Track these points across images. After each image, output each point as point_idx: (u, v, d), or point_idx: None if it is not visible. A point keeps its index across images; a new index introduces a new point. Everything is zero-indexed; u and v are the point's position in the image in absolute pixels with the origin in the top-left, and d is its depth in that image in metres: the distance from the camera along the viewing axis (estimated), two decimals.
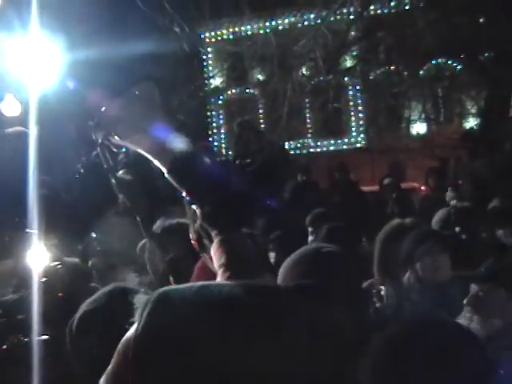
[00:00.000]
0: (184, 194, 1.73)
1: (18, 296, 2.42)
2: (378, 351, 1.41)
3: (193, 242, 1.75)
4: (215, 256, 1.69)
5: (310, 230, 5.25)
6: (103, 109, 1.78)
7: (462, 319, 2.62)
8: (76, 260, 3.37)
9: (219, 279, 1.64)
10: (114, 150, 1.84)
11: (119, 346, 1.17)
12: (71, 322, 1.91)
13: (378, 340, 1.45)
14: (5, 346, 1.91)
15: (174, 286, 1.16)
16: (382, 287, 2.62)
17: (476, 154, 7.69)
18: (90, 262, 4.15)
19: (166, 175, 1.76)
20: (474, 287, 2.73)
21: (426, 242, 3.37)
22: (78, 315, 1.89)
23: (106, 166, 1.87)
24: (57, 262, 2.64)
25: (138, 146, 1.80)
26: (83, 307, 1.91)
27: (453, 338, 1.51)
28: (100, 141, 1.80)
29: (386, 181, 8.56)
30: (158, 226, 3.53)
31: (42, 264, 2.49)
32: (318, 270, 2.11)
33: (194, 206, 1.72)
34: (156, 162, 1.78)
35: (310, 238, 5.14)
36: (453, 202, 5.16)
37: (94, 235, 4.48)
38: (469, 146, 8.04)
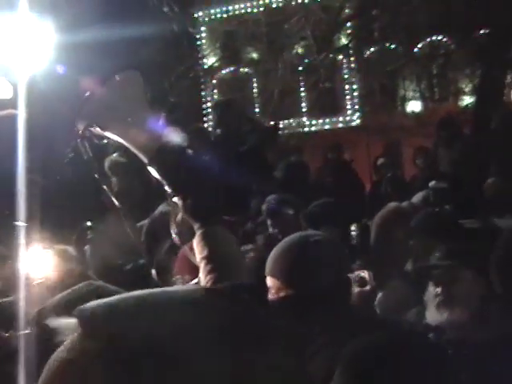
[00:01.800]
0: (166, 186, 1.72)
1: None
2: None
3: (174, 235, 1.74)
4: (197, 248, 1.68)
5: (269, 222, 4.61)
6: (85, 98, 1.74)
7: (428, 313, 2.57)
8: (67, 247, 3.33)
9: (201, 272, 1.64)
10: (96, 140, 1.81)
11: (49, 372, 1.08)
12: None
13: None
14: None
15: (106, 300, 1.09)
16: (365, 272, 2.57)
17: (450, 141, 7.57)
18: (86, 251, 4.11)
19: (148, 167, 1.74)
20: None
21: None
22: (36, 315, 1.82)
23: (85, 158, 1.83)
24: (46, 249, 2.62)
25: (120, 137, 1.77)
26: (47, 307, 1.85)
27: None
28: (81, 131, 1.76)
29: (381, 160, 8.49)
30: (158, 211, 3.50)
31: (34, 264, 2.46)
32: (304, 261, 2.09)
33: (175, 199, 1.70)
34: (138, 153, 1.76)
35: (270, 229, 4.54)
36: (431, 183, 5.03)
37: (88, 223, 4.43)
38: (443, 134, 7.89)
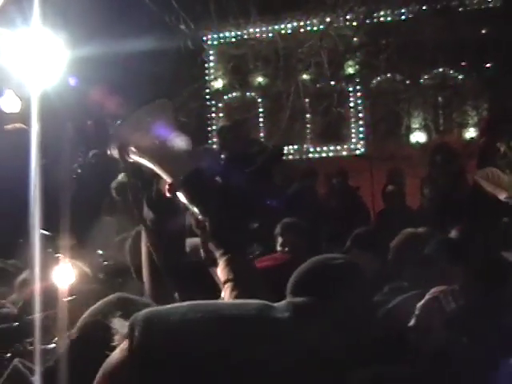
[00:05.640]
0: (194, 210, 1.72)
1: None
2: None
3: (203, 255, 1.74)
4: (222, 273, 1.67)
5: (280, 240, 4.91)
6: (119, 122, 1.77)
7: None
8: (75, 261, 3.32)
9: (226, 294, 1.62)
10: (129, 159, 1.84)
11: (102, 372, 1.13)
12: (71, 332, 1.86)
13: None
14: (9, 354, 1.85)
15: (159, 307, 1.12)
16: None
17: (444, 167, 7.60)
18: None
19: (176, 192, 1.75)
20: None
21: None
22: (78, 325, 1.84)
23: (126, 173, 1.86)
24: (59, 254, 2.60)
25: (150, 160, 1.79)
26: (84, 319, 1.85)
27: None
28: (115, 151, 1.78)
29: (389, 188, 8.51)
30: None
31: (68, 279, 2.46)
32: (325, 283, 2.07)
33: (205, 221, 1.71)
34: (164, 177, 1.77)
35: (279, 248, 4.84)
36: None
37: (100, 252, 4.45)
38: (437, 159, 7.91)
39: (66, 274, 2.49)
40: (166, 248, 1.90)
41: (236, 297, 1.60)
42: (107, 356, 1.13)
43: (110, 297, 1.94)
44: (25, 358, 1.61)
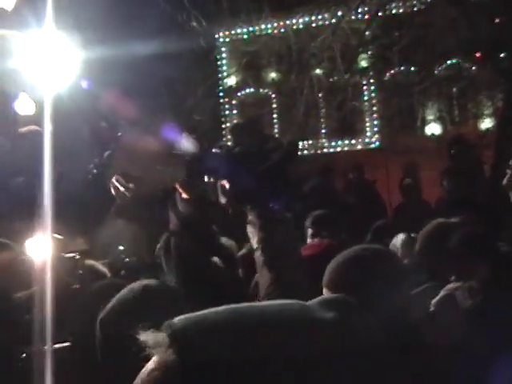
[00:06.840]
0: (214, 175, 1.78)
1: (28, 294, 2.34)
2: None
3: (223, 201, 1.80)
4: (250, 224, 1.72)
5: (310, 231, 5.01)
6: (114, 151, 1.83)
7: None
8: (93, 262, 3.33)
9: (254, 242, 1.66)
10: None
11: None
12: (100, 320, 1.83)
13: None
14: (24, 355, 1.83)
15: (194, 315, 1.03)
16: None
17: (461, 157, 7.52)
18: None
19: (189, 186, 1.78)
20: None
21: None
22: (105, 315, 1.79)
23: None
24: (72, 254, 2.60)
25: (152, 181, 1.83)
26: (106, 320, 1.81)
27: None
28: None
29: (407, 181, 8.49)
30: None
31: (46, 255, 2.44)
32: (362, 271, 2.11)
33: (224, 182, 1.78)
34: (174, 183, 1.81)
35: (309, 240, 4.89)
36: None
37: (121, 247, 4.46)
38: (454, 149, 7.82)
39: (41, 247, 2.44)
40: (195, 247, 1.94)
41: (263, 244, 1.66)
42: (136, 367, 1.06)
43: (135, 286, 1.88)
44: (39, 357, 1.59)
